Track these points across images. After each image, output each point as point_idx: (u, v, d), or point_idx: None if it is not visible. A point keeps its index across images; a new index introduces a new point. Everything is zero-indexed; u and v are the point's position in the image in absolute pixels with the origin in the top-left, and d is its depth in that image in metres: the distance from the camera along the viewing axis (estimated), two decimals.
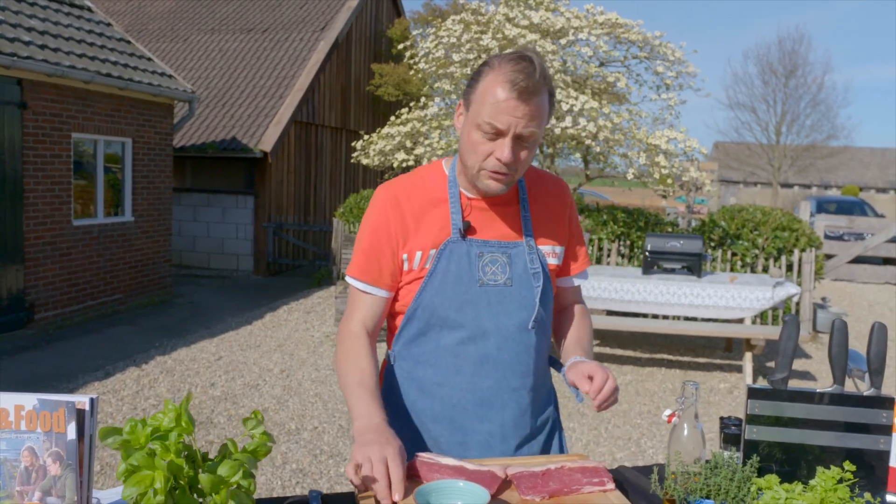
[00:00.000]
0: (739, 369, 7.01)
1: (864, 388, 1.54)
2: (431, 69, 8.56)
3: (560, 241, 1.79)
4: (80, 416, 1.26)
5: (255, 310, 9.13)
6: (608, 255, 8.51)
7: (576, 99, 7.23)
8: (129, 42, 9.63)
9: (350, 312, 1.72)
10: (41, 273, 7.79)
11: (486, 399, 1.69)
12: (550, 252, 1.76)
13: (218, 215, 12.37)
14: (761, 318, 7.96)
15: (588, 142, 7.50)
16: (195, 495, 1.13)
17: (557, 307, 1.90)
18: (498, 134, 1.57)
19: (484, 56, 7.93)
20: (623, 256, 8.56)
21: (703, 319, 7.05)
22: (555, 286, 1.81)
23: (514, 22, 7.93)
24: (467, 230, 1.69)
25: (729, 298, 6.62)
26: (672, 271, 7.00)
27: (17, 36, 7.41)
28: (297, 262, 12.52)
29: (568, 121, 7.26)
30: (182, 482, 1.12)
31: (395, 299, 1.74)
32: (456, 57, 7.98)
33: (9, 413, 1.26)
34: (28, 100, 7.49)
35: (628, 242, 8.58)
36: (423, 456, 1.56)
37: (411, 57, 9.68)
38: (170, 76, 9.71)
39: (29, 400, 1.26)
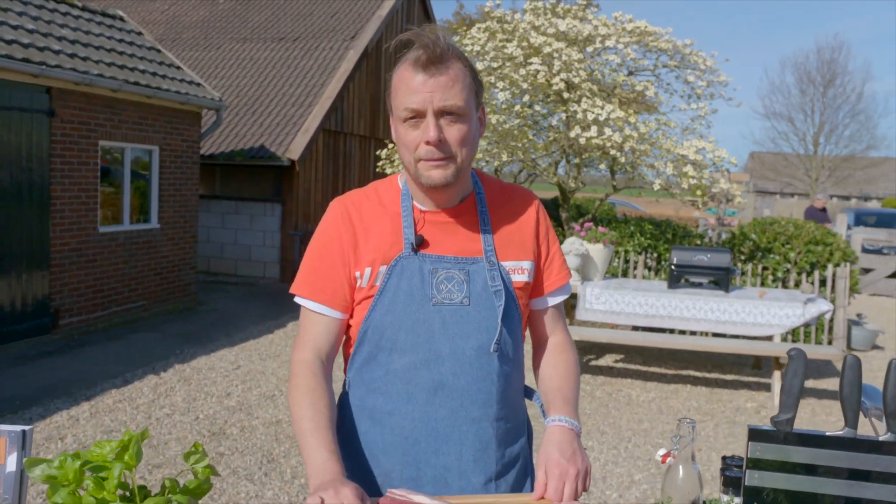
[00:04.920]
0: (768, 388, 6.78)
1: (882, 431, 1.40)
2: None
3: (527, 257, 1.64)
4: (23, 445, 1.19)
5: (278, 318, 9.11)
6: (634, 268, 8.33)
7: (601, 108, 7.08)
8: (158, 51, 9.71)
9: (302, 338, 1.60)
10: (66, 279, 7.85)
11: (440, 430, 1.55)
12: (516, 268, 1.62)
13: (246, 223, 12.42)
14: (793, 335, 7.71)
15: (613, 152, 7.35)
16: None
17: (536, 336, 1.76)
18: (418, 116, 1.48)
19: (508, 65, 7.83)
20: (650, 269, 8.37)
21: (731, 336, 6.85)
22: (525, 307, 1.66)
23: (540, 30, 7.81)
24: (420, 244, 1.56)
25: (758, 315, 6.41)
26: (699, 285, 6.81)
27: (47, 45, 7.49)
28: None
29: (593, 130, 7.11)
30: None
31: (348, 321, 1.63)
32: (480, 65, 7.88)
33: None
34: (56, 108, 7.57)
35: (655, 255, 8.39)
36: (394, 492, 1.45)
37: None
38: (198, 84, 9.77)
39: None
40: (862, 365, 1.38)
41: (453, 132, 1.49)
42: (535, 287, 1.67)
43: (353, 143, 13.97)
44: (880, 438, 1.36)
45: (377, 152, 10.61)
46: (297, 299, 1.61)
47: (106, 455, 1.06)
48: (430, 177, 1.51)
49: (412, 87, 1.47)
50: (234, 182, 12.32)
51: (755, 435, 1.38)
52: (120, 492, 1.06)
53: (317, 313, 1.59)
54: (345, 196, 1.66)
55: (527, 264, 1.63)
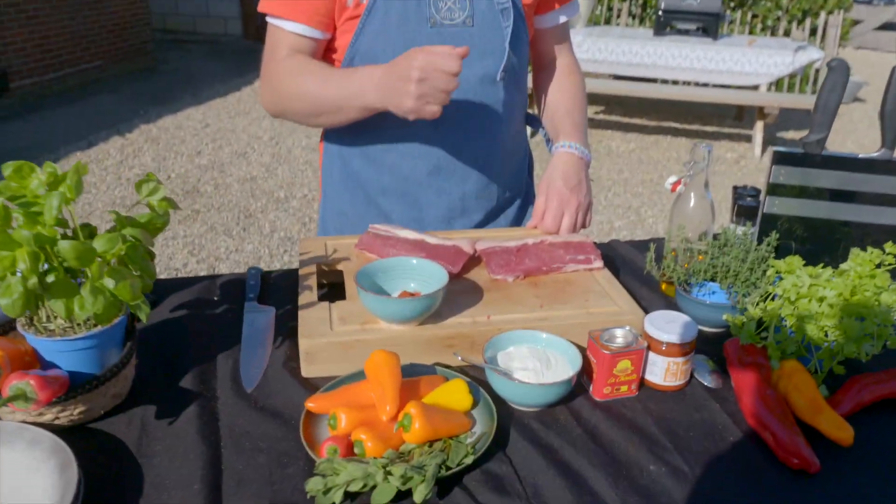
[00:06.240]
0: (749, 139, 6.72)
1: None
2: None
3: None
4: None
5: (245, 76, 8.66)
6: (618, 16, 7.86)
7: None
8: None
9: (271, 53, 1.36)
10: (9, 38, 7.25)
11: (443, 166, 1.41)
12: None
13: None
14: (776, 85, 7.51)
15: None
16: (74, 279, 0.91)
17: (540, 58, 1.56)
18: None
19: None
20: (634, 17, 7.92)
21: (716, 86, 6.64)
22: (532, 27, 1.45)
23: None
24: None
25: (745, 63, 6.15)
26: (686, 32, 6.46)
27: None
28: None
29: None
30: (55, 263, 0.90)
31: (328, 47, 1.39)
32: None
33: None
34: None
35: (640, 1, 7.89)
36: (376, 228, 1.33)
37: None
38: None
39: None
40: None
41: None
42: (542, 1, 1.44)
43: None
44: None
45: None
46: (267, 19, 1.35)
47: (35, 189, 0.89)
48: None
49: None
50: None
51: (780, 158, 1.24)
52: (60, 230, 0.90)
53: (292, 33, 1.33)
54: None
55: None
